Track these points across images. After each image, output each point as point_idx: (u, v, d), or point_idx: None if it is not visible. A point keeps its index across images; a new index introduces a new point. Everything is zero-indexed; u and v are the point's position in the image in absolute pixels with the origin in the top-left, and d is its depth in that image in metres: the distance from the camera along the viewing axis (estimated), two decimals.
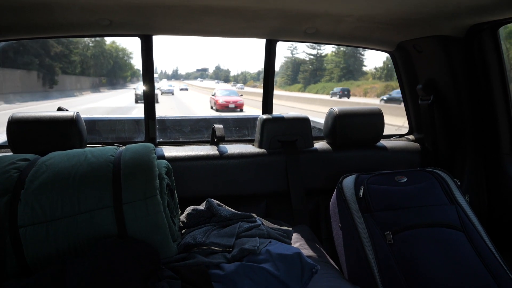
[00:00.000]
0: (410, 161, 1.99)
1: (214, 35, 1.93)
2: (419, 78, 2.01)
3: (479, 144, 1.87)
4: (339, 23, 1.73)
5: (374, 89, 28.65)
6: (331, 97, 27.93)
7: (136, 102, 24.29)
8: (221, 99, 21.37)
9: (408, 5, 1.47)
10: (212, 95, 22.69)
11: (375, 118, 1.92)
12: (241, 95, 23.47)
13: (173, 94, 37.02)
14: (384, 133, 2.00)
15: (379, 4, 1.46)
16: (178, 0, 1.41)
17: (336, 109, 1.90)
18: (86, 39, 33.14)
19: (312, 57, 44.90)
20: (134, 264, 1.03)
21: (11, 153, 1.55)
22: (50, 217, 1.06)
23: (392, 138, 2.23)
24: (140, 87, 25.56)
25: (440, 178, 1.54)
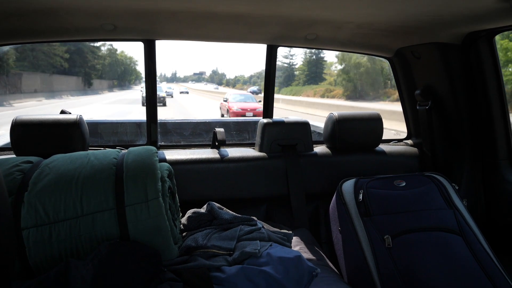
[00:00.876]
0: (409, 166, 2.01)
1: (216, 40, 1.95)
2: (417, 84, 2.03)
3: (476, 149, 1.89)
4: (339, 30, 1.75)
5: (320, 91, 35.58)
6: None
7: (143, 105, 23.40)
8: (235, 106, 17.11)
9: (407, 13, 1.49)
10: (224, 101, 18.60)
11: (374, 123, 1.93)
12: (260, 101, 17.99)
13: (172, 97, 37.38)
14: (383, 138, 2.02)
15: (378, 12, 1.49)
16: (181, 6, 1.43)
17: (336, 113, 1.92)
18: (103, 51, 44.20)
19: (286, 65, 54.55)
20: (136, 266, 1.04)
21: (14, 156, 1.57)
22: (53, 219, 1.07)
23: (391, 143, 2.25)
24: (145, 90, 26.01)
25: (438, 182, 1.56)
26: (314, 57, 47.75)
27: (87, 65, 37.90)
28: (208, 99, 34.63)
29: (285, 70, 53.45)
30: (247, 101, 18.22)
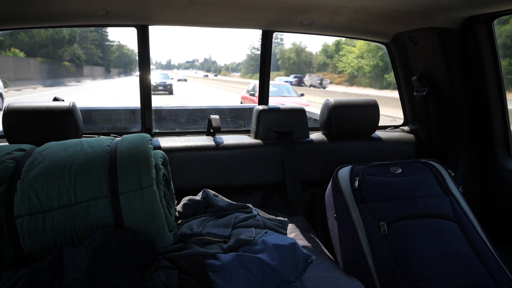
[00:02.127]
0: (405, 152, 2.01)
1: (211, 26, 1.92)
2: (414, 69, 2.02)
3: (473, 135, 1.89)
4: (335, 15, 1.72)
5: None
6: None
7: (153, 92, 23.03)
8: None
9: None
10: (250, 94, 12.99)
11: (370, 109, 1.92)
12: (302, 95, 14.68)
13: (186, 81, 37.46)
14: (379, 124, 2.01)
15: None
16: None
17: (331, 100, 1.90)
18: (113, 46, 57.22)
19: (257, 53, 63.50)
20: (131, 254, 1.03)
21: (7, 144, 1.55)
22: (46, 207, 1.06)
23: (387, 129, 2.24)
24: (154, 77, 23.49)
25: (434, 169, 1.56)
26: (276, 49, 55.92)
27: (107, 58, 53.68)
28: (209, 88, 33.91)
29: (256, 58, 62.52)
30: (283, 95, 13.01)
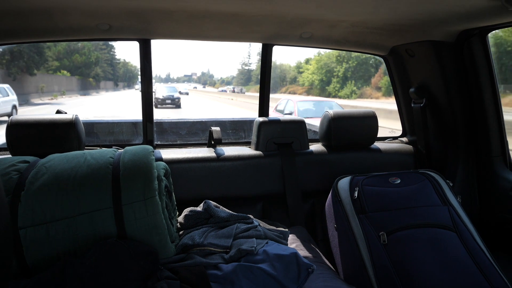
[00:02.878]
0: (404, 163, 2.03)
1: (211, 39, 1.96)
2: (411, 81, 2.05)
3: (470, 146, 1.91)
4: (334, 28, 1.76)
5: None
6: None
7: (156, 107, 21.08)
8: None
9: (400, 11, 1.50)
10: (287, 114, 10.18)
11: (369, 121, 1.95)
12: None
13: (187, 94, 37.52)
14: (378, 136, 2.04)
15: (372, 10, 1.50)
16: (176, 5, 1.43)
17: (331, 111, 1.93)
18: (120, 64, 66.13)
19: (246, 69, 78.77)
20: (133, 264, 1.04)
21: (11, 156, 1.57)
22: (50, 218, 1.07)
23: (386, 141, 2.26)
24: (158, 90, 22.39)
25: (433, 179, 1.58)
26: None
27: (116, 74, 62.96)
28: (213, 101, 33.75)
29: (246, 73, 79.15)
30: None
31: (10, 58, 26.52)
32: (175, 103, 22.06)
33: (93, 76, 47.61)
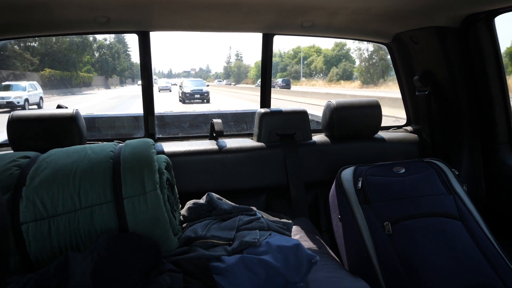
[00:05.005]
0: (408, 152, 2.00)
1: (211, 30, 1.93)
2: (415, 69, 2.02)
3: (476, 134, 1.88)
4: (335, 16, 1.73)
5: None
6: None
7: (183, 102, 19.89)
8: None
9: None
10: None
11: (372, 110, 1.92)
12: None
13: (170, 91, 37.15)
14: (382, 125, 2.01)
15: None
16: None
17: (334, 101, 1.90)
18: (125, 62, 67.35)
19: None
20: (135, 257, 1.04)
21: (12, 151, 1.57)
22: (51, 213, 1.07)
23: (390, 130, 2.24)
24: (184, 85, 21.18)
25: (438, 168, 1.55)
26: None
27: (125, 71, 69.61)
28: (223, 96, 31.37)
29: (240, 67, 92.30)
30: None
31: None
32: (205, 97, 20.66)
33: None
